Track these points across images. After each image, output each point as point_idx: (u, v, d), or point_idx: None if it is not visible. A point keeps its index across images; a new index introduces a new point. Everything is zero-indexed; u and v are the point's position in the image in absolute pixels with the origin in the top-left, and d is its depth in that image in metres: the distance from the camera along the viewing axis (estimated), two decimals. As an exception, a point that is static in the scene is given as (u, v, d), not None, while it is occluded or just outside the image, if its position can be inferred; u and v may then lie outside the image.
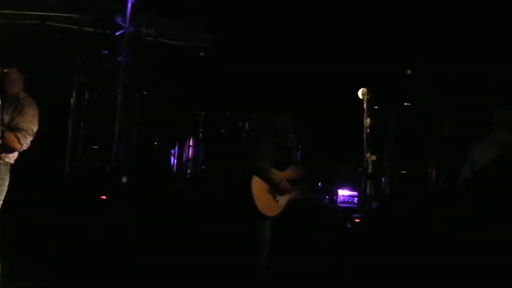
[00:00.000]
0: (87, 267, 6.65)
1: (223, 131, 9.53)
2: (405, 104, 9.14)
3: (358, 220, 6.67)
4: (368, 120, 5.83)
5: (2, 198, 5.01)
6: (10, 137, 4.90)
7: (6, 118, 4.91)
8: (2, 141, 4.74)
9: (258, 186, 5.97)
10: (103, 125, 9.15)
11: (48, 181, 7.88)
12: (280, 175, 6.04)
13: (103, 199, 7.58)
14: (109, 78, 9.19)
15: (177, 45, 10.39)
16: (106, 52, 9.41)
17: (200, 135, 9.78)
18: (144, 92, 9.61)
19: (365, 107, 5.96)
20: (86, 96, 9.27)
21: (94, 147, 9.01)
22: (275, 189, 6.00)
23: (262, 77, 9.71)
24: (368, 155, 5.96)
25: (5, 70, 5.04)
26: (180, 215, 7.53)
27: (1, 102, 4.82)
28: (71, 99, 9.15)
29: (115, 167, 8.40)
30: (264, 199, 5.97)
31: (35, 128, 5.13)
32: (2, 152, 4.77)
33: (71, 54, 9.47)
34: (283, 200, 6.05)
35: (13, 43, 9.09)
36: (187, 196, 8.55)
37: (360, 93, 6.28)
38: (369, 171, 5.65)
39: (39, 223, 7.16)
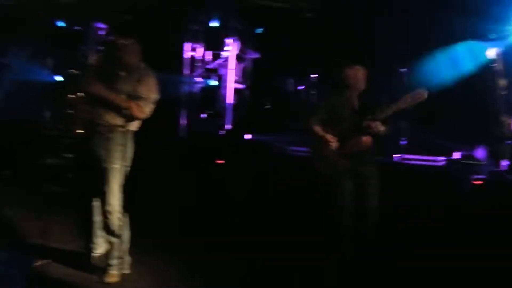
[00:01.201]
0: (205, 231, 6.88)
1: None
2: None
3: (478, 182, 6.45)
4: (504, 81, 5.58)
5: (129, 164, 5.24)
6: (132, 106, 5.06)
7: (128, 88, 5.09)
8: (125, 110, 4.92)
9: (315, 147, 5.92)
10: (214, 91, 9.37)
11: (165, 145, 8.13)
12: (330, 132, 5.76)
13: (219, 163, 7.76)
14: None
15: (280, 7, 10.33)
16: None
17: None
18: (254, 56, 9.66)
19: (499, 67, 5.70)
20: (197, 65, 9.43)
21: (209, 112, 9.19)
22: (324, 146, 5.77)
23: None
24: (504, 117, 5.70)
25: (125, 43, 5.19)
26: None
27: (122, 74, 5.02)
28: (184, 68, 9.33)
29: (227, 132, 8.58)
30: (322, 159, 5.84)
31: (155, 96, 5.26)
32: (126, 121, 4.95)
33: (180, 22, 9.62)
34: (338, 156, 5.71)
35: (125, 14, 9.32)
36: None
37: (493, 53, 6.00)
38: (505, 133, 5.42)
39: (159, 185, 7.45)
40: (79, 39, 9.78)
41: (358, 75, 5.83)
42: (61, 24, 10.09)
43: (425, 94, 5.42)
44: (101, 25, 9.47)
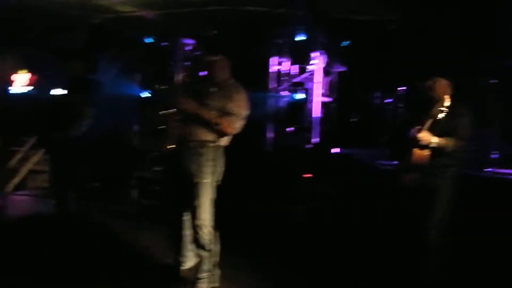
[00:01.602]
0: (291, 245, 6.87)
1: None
2: None
3: None
4: None
5: (220, 179, 5.28)
6: (223, 122, 5.11)
7: (218, 104, 5.13)
8: (216, 126, 4.95)
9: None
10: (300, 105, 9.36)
11: (251, 159, 8.16)
12: None
13: (306, 177, 7.72)
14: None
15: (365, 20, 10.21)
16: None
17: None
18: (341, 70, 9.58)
19: None
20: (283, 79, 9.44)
21: (295, 126, 9.18)
22: None
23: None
24: None
25: (214, 58, 5.25)
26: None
27: (213, 90, 5.07)
28: (270, 82, 9.36)
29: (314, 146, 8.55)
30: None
31: (245, 112, 5.28)
32: (217, 137, 4.98)
33: (265, 37, 9.65)
34: None
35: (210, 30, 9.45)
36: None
37: None
38: None
39: (247, 200, 7.48)
40: (166, 55, 9.96)
41: (438, 87, 5.54)
42: (148, 40, 10.31)
43: (446, 100, 5.23)
44: (188, 41, 9.62)
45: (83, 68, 6.76)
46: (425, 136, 5.27)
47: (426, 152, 5.34)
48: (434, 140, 5.28)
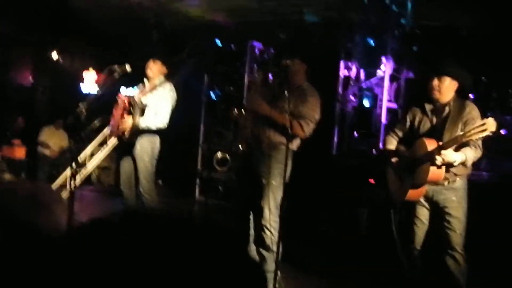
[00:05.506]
0: (351, 249, 6.83)
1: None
2: None
3: None
4: None
5: (286, 182, 5.12)
6: (294, 125, 5.13)
7: (291, 107, 5.12)
8: (287, 130, 4.97)
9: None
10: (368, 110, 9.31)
11: (317, 162, 8.15)
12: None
13: (371, 183, 7.68)
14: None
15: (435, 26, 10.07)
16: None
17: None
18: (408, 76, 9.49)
19: None
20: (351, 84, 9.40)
21: (362, 131, 9.15)
22: None
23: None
24: None
25: (287, 62, 5.27)
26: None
27: (288, 93, 5.07)
28: (338, 86, 9.34)
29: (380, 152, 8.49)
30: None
31: (317, 116, 5.30)
32: (288, 140, 5.00)
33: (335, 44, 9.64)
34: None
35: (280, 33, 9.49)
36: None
37: None
38: None
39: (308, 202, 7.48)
40: (236, 57, 10.06)
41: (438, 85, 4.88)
42: (219, 43, 10.44)
43: (492, 126, 4.11)
44: (258, 44, 9.69)
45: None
46: (449, 155, 4.42)
47: (443, 170, 4.56)
48: (458, 157, 4.46)
